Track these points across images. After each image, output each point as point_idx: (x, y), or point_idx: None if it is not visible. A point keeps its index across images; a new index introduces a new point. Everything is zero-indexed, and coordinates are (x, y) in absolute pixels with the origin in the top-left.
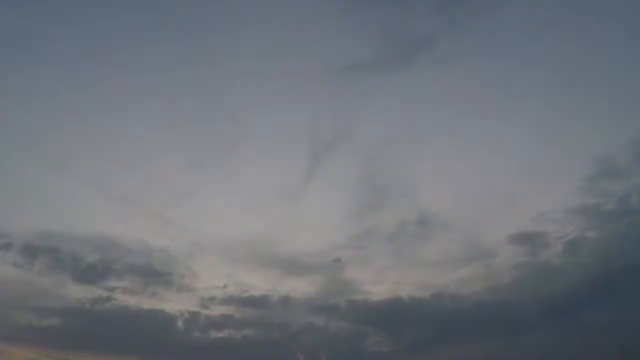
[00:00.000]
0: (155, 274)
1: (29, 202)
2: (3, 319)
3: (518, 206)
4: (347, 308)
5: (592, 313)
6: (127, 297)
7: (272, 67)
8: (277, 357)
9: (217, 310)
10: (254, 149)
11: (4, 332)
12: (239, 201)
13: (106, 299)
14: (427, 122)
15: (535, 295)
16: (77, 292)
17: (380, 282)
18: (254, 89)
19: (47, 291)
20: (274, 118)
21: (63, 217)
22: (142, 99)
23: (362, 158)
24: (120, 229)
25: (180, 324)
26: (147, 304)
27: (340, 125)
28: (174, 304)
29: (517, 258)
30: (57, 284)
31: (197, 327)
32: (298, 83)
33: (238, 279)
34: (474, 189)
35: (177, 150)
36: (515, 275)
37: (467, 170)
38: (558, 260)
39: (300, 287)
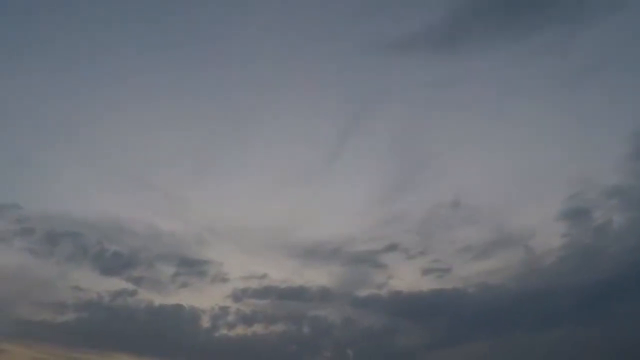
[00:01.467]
0: (188, 263)
1: (52, 185)
2: (14, 314)
3: (552, 188)
4: (372, 299)
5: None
6: (153, 289)
7: (298, 41)
8: (301, 353)
9: (248, 304)
10: (277, 126)
11: (13, 329)
12: (258, 183)
13: (130, 293)
14: (462, 102)
15: (575, 283)
16: (99, 284)
17: (409, 271)
18: (278, 65)
19: (64, 283)
20: (299, 94)
21: (89, 202)
22: (156, 72)
23: (391, 137)
24: (146, 214)
25: (207, 319)
26: (173, 297)
27: (369, 103)
28: (204, 297)
29: (554, 242)
30: (77, 274)
31: (224, 323)
32: (327, 59)
33: (256, 268)
34: (506, 169)
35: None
36: (552, 261)
37: (500, 149)
38: (599, 243)
39: (323, 277)
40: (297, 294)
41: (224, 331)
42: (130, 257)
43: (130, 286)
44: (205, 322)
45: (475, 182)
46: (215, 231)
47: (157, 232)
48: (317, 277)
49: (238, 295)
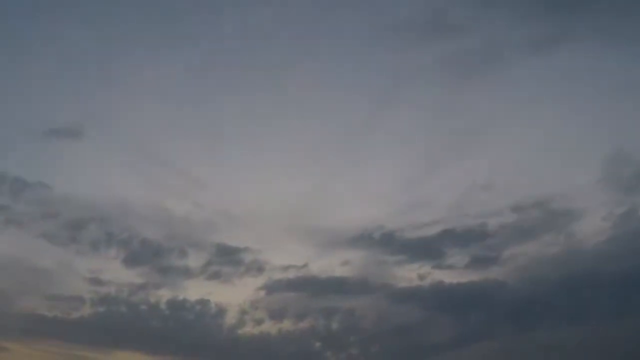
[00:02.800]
0: (223, 251)
1: (78, 169)
2: (24, 308)
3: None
4: (412, 291)
5: None
6: (180, 281)
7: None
8: (325, 350)
9: (280, 298)
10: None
11: (18, 326)
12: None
13: (154, 285)
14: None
15: (619, 270)
16: (121, 276)
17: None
18: (304, 39)
19: (82, 274)
20: (335, 67)
21: (117, 188)
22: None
23: (423, 115)
24: (176, 200)
25: (233, 315)
26: (201, 289)
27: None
28: (235, 290)
29: (598, 223)
30: (97, 264)
31: (251, 318)
32: (362, 33)
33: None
34: (538, 145)
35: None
36: (599, 245)
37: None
38: None
39: (364, 267)
40: (335, 285)
41: (247, 328)
42: (159, 246)
43: (155, 278)
44: (231, 318)
45: (511, 162)
46: (251, 217)
47: (188, 218)
48: (358, 267)
49: (272, 287)
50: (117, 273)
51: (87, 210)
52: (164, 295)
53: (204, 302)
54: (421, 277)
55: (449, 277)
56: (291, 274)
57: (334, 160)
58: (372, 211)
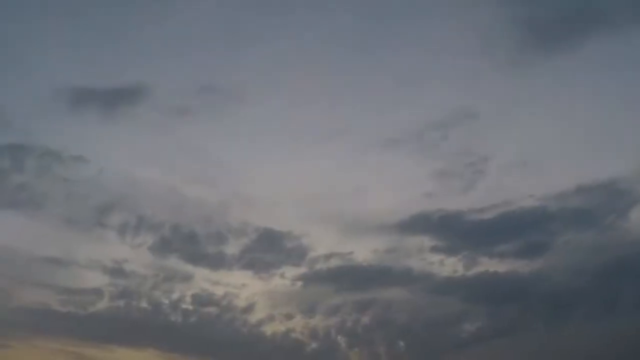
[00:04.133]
0: (263, 237)
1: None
2: (37, 304)
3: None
4: (454, 281)
5: None
6: (210, 271)
7: None
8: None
9: (317, 290)
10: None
11: (26, 320)
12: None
13: (183, 277)
14: None
15: None
16: (146, 265)
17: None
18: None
19: (102, 263)
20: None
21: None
22: None
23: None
24: (207, 183)
25: (261, 309)
26: (233, 279)
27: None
28: (269, 280)
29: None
30: (121, 253)
31: (280, 313)
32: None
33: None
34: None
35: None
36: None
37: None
38: None
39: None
40: (376, 275)
41: (274, 324)
42: (192, 232)
43: (184, 268)
44: (259, 313)
45: (544, 138)
46: (291, 200)
47: (225, 202)
48: (402, 255)
49: (310, 278)
50: (143, 263)
51: (120, 191)
52: (190, 287)
53: (233, 295)
54: (467, 267)
55: (496, 266)
56: (333, 263)
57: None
58: (420, 195)
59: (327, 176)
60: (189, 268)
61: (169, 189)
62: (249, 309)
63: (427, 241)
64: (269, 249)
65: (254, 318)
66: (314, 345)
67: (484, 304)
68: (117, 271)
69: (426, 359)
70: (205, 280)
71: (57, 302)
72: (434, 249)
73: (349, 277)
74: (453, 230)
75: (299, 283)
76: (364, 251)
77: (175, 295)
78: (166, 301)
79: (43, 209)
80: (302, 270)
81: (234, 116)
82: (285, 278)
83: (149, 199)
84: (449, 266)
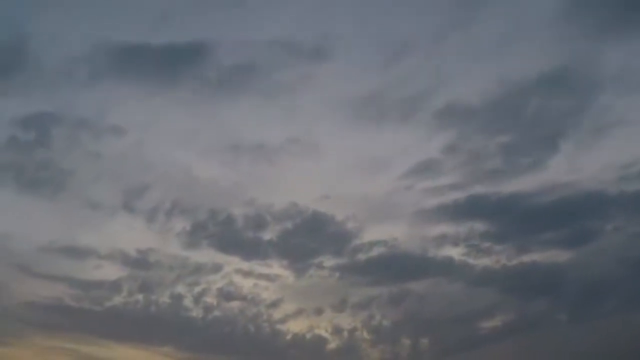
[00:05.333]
0: (303, 223)
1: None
2: (49, 299)
3: None
4: (481, 272)
5: None
6: (242, 262)
7: None
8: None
9: (353, 281)
10: None
11: (39, 319)
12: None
13: (211, 269)
14: None
15: None
16: (177, 257)
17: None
18: None
19: (129, 252)
20: None
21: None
22: None
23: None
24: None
25: (284, 306)
26: (261, 269)
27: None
28: (302, 272)
29: None
30: (151, 241)
31: (303, 309)
32: None
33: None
34: None
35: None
36: None
37: None
38: None
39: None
40: (415, 266)
41: (299, 321)
42: (228, 218)
43: (215, 259)
44: (286, 308)
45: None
46: (346, 181)
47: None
48: (444, 243)
49: (348, 269)
50: (170, 253)
51: (157, 170)
52: (217, 280)
53: (261, 288)
54: (510, 256)
55: (537, 256)
56: (375, 252)
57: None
58: (482, 173)
59: (388, 154)
60: (219, 257)
61: (211, 167)
62: (276, 303)
63: (478, 227)
64: (310, 235)
65: (280, 313)
66: (336, 342)
67: (517, 296)
68: (139, 262)
69: (449, 355)
70: (235, 271)
71: (70, 296)
72: (484, 236)
73: (388, 267)
74: (508, 215)
75: (336, 274)
76: (410, 238)
77: (199, 289)
78: (189, 295)
79: (65, 191)
80: (342, 260)
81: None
82: (322, 268)
83: (188, 179)
84: (494, 255)
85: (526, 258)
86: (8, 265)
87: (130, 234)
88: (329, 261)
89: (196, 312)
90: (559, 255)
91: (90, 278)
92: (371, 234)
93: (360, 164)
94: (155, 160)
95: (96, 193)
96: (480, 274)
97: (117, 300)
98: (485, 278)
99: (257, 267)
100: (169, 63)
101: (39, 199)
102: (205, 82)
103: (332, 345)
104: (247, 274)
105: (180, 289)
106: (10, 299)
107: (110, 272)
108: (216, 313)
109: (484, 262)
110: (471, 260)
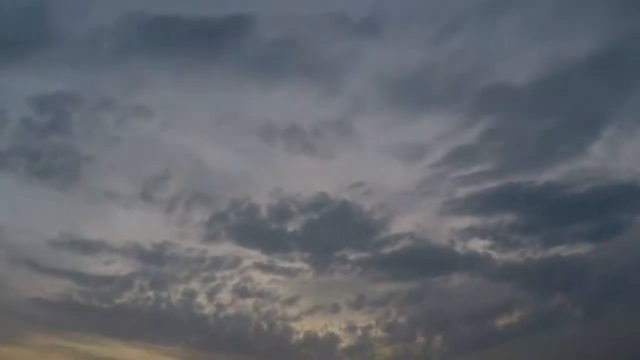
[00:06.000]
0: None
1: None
2: (55, 296)
3: None
4: (504, 266)
5: None
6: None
7: None
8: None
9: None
10: None
11: (43, 317)
12: None
13: (232, 262)
14: None
15: None
16: (196, 250)
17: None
18: None
19: (144, 246)
20: None
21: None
22: None
23: None
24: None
25: (304, 303)
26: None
27: None
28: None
29: None
30: (169, 235)
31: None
32: None
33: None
34: None
35: None
36: None
37: None
38: None
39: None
40: (439, 260)
41: (315, 319)
42: (251, 206)
43: (235, 252)
44: (302, 305)
45: None
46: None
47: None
48: (480, 236)
49: (369, 263)
50: (187, 246)
51: (180, 158)
52: (234, 275)
53: (279, 283)
54: (536, 250)
55: (562, 249)
56: (402, 245)
57: None
58: (517, 160)
59: (426, 139)
60: (238, 250)
61: (238, 153)
62: (293, 300)
63: (508, 218)
64: (336, 227)
65: (295, 310)
66: (350, 340)
67: (538, 291)
68: (153, 256)
69: (463, 353)
70: (254, 265)
71: (78, 293)
72: (513, 228)
73: (412, 262)
74: (539, 206)
75: (358, 269)
76: (438, 230)
77: (214, 285)
78: (202, 292)
79: (80, 180)
80: (366, 253)
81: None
82: (345, 262)
83: (212, 166)
84: (521, 248)
85: (552, 251)
86: (15, 259)
87: (146, 226)
88: (353, 255)
89: (209, 310)
90: (584, 249)
91: (101, 273)
92: (399, 225)
93: (396, 150)
94: (181, 145)
95: (113, 182)
96: (502, 269)
97: (127, 296)
98: (507, 272)
99: (278, 261)
100: (204, 38)
101: (52, 188)
102: (242, 60)
103: (345, 343)
104: (266, 268)
105: (194, 285)
106: (15, 295)
107: (122, 267)
108: (230, 310)
109: (508, 256)
110: (495, 254)
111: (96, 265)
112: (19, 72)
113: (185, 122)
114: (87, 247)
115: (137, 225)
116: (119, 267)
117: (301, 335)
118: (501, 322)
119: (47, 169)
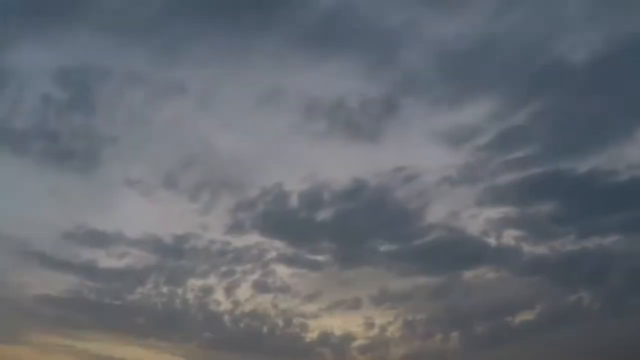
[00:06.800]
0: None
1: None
2: (63, 292)
3: None
4: (534, 259)
5: None
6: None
7: None
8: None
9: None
10: None
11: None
12: None
13: (257, 253)
14: None
15: None
16: (219, 242)
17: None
18: None
19: (163, 238)
20: None
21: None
22: None
23: None
24: None
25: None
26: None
27: None
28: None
29: None
30: (192, 225)
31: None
32: None
33: None
34: None
35: None
36: None
37: None
38: None
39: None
40: (473, 252)
41: (333, 316)
42: (282, 193)
43: (258, 240)
44: (322, 302)
45: None
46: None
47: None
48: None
49: (401, 255)
50: (209, 238)
51: (211, 139)
52: (255, 269)
53: (301, 277)
54: (567, 242)
55: (598, 242)
56: (434, 235)
57: None
58: (562, 147)
59: (476, 120)
60: (263, 242)
61: (275, 135)
62: (313, 296)
63: (546, 208)
64: (369, 216)
65: (314, 307)
66: (367, 337)
67: (561, 286)
68: (172, 249)
69: (481, 350)
70: (277, 257)
71: (89, 289)
72: (549, 218)
73: (442, 254)
74: (578, 195)
75: (386, 262)
76: (473, 219)
77: (232, 279)
78: (220, 287)
79: (101, 164)
80: (397, 245)
81: None
82: (375, 254)
83: (244, 149)
84: (555, 240)
85: (584, 243)
86: (25, 253)
87: (167, 217)
88: (383, 247)
89: (225, 306)
90: (614, 241)
91: (115, 267)
92: (434, 214)
93: (443, 132)
94: (214, 127)
95: (136, 167)
96: (529, 263)
97: (140, 292)
98: (534, 267)
99: (303, 253)
100: (250, 7)
101: (69, 174)
102: (292, 31)
103: (360, 342)
104: (290, 261)
105: (212, 280)
106: (22, 292)
107: (137, 260)
108: (247, 307)
109: (539, 249)
110: (527, 246)
111: (110, 259)
112: (40, 43)
113: (221, 101)
114: (102, 238)
115: (157, 216)
116: (134, 260)
117: (317, 334)
118: (520, 318)
119: (65, 151)
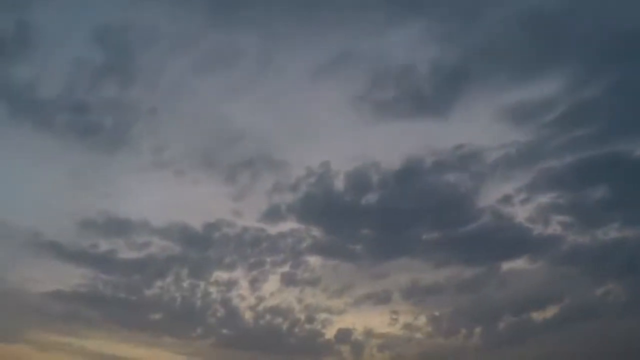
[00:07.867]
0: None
1: None
2: (76, 287)
3: None
4: (571, 250)
5: None
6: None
7: None
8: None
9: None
10: None
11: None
12: None
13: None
14: None
15: None
16: (243, 229)
17: None
18: None
19: (191, 224)
20: None
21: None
22: None
23: None
24: None
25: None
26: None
27: None
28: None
29: None
30: (223, 211)
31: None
32: None
33: None
34: None
35: None
36: None
37: None
38: None
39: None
40: (516, 240)
41: (356, 314)
42: (322, 180)
43: (294, 227)
44: (346, 297)
45: None
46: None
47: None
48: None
49: (442, 243)
50: (241, 224)
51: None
52: (284, 262)
53: (329, 268)
54: (610, 230)
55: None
56: (481, 222)
57: None
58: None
59: (543, 96)
60: (299, 230)
61: (323, 107)
62: (341, 290)
63: (597, 193)
64: (417, 200)
65: (340, 303)
66: (387, 335)
67: (592, 277)
68: (200, 238)
69: (505, 345)
70: (311, 246)
71: (104, 283)
72: (599, 203)
73: (483, 243)
74: (632, 180)
75: (426, 252)
76: (523, 205)
77: (259, 271)
78: (245, 280)
79: (127, 144)
80: (441, 233)
81: None
82: (418, 242)
83: (295, 131)
84: (599, 228)
85: (625, 233)
86: (39, 244)
87: (198, 201)
88: (425, 235)
89: (248, 302)
90: None
91: (134, 258)
92: (484, 199)
93: (512, 105)
94: (265, 100)
95: (170, 145)
96: (568, 252)
97: (159, 286)
98: (572, 257)
99: (340, 241)
100: None
101: (95, 153)
102: None
103: (381, 340)
104: (325, 250)
105: (238, 273)
106: (33, 287)
107: (160, 250)
108: (271, 302)
109: (582, 238)
110: (571, 234)
111: (130, 250)
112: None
113: (276, 69)
114: (124, 227)
115: (187, 201)
116: (156, 251)
117: (337, 330)
118: (545, 313)
119: (92, 126)
